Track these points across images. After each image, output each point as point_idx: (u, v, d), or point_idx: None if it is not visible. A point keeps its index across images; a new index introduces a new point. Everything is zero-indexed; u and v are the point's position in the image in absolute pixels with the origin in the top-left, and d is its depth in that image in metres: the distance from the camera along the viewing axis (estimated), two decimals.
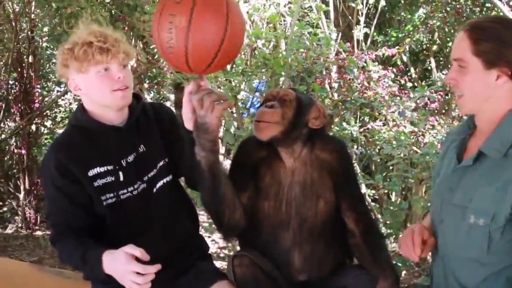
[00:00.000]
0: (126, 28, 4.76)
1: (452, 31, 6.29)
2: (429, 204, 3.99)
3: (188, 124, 1.68)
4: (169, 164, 1.94)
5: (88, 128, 1.83)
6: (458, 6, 6.01)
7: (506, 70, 1.42)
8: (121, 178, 1.82)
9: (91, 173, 1.79)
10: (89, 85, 1.76)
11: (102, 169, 1.80)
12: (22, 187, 5.55)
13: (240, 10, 1.60)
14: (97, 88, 1.75)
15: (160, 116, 1.97)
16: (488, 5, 5.71)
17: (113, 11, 4.71)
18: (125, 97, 1.78)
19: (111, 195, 1.81)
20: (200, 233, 2.14)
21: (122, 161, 1.83)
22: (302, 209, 1.77)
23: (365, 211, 1.88)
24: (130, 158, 1.85)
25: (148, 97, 6.96)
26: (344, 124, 3.97)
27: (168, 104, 8.39)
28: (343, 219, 1.81)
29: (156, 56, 5.00)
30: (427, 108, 4.21)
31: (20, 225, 5.54)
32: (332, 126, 4.02)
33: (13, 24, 5.58)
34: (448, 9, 6.02)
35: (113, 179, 1.81)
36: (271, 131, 1.70)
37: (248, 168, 1.79)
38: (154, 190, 1.89)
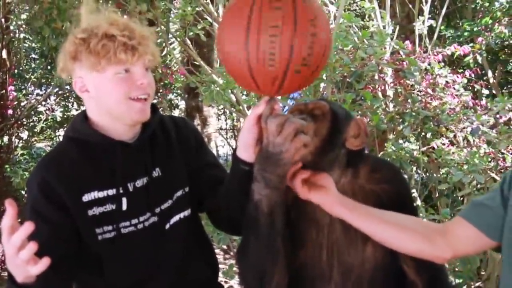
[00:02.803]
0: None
1: None
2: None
3: (244, 153, 1.72)
4: (190, 195, 1.98)
5: (88, 142, 1.83)
6: None
7: None
8: (124, 207, 1.82)
9: (86, 198, 1.78)
10: (101, 87, 1.77)
11: (101, 194, 1.80)
12: None
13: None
14: (111, 93, 1.76)
15: (183, 135, 2.01)
16: None
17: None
18: (143, 110, 1.81)
19: (109, 228, 1.81)
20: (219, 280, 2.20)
21: (128, 185, 1.84)
22: (345, 256, 1.77)
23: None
24: (140, 183, 1.86)
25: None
26: (401, 141, 3.99)
27: (177, 112, 8.55)
28: (401, 267, 1.79)
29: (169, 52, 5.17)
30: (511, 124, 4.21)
31: None
32: (386, 145, 4.05)
33: None
34: None
35: (113, 207, 1.81)
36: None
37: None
38: (167, 226, 1.92)
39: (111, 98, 1.77)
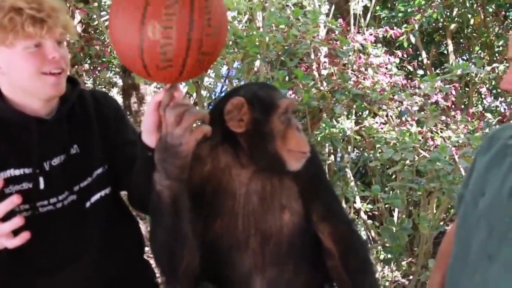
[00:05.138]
0: None
1: (475, 6, 6.42)
2: (441, 224, 4.10)
3: (147, 137, 1.66)
4: (110, 173, 1.94)
5: (2, 119, 1.77)
6: None
7: None
8: (42, 186, 1.78)
9: (2, 175, 1.73)
10: (12, 63, 1.71)
11: (17, 172, 1.75)
12: None
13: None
14: (22, 69, 1.70)
15: (103, 110, 1.96)
16: None
17: None
18: (58, 84, 1.75)
19: (26, 206, 1.75)
20: (145, 257, 2.16)
21: (45, 163, 1.80)
22: (262, 224, 1.77)
23: (343, 223, 1.87)
24: (56, 161, 1.82)
25: (89, 82, 6.94)
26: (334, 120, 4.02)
27: (114, 91, 8.38)
28: (317, 235, 1.83)
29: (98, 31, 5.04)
30: (440, 103, 4.29)
31: None
32: (320, 123, 4.07)
33: None
34: None
35: (30, 186, 1.76)
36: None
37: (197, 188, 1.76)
38: (88, 204, 1.88)
39: (22, 73, 1.71)
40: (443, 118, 4.31)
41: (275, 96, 1.71)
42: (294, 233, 1.79)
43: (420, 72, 6.70)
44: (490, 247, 1.56)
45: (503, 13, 6.97)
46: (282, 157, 1.68)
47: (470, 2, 6.36)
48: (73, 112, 1.89)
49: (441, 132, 4.32)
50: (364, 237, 4.81)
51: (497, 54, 6.95)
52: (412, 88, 4.17)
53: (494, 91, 6.58)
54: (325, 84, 4.17)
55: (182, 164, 1.54)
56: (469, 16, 6.54)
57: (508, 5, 6.36)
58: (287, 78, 3.93)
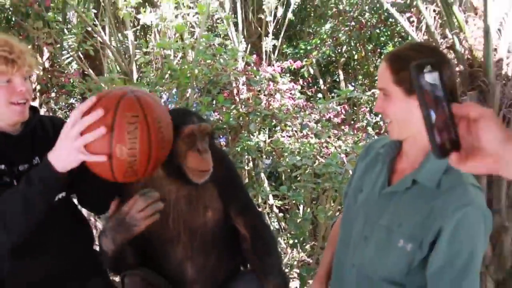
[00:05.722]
0: (21, 35, 4.67)
1: (358, 44, 6.67)
2: (337, 214, 4.22)
3: (62, 164, 1.57)
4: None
5: None
6: (362, 21, 6.37)
7: None
8: (15, 184, 1.74)
9: None
10: None
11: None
12: None
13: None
14: None
15: (59, 131, 1.94)
16: (391, 19, 6.11)
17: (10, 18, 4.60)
18: (22, 112, 1.76)
19: None
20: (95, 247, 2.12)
21: (14, 168, 1.77)
22: (190, 222, 1.80)
23: (254, 215, 1.92)
24: (23, 168, 1.79)
25: (56, 107, 6.73)
26: (251, 135, 4.09)
27: None
28: (235, 227, 1.87)
29: (64, 65, 4.95)
30: (332, 120, 4.43)
31: None
32: (240, 138, 4.13)
33: None
34: (353, 23, 6.36)
35: (8, 180, 1.75)
36: (204, 177, 1.71)
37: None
38: None
39: None
40: (335, 131, 4.46)
41: (183, 122, 1.71)
42: (216, 227, 1.84)
43: (320, 95, 6.87)
44: (366, 231, 1.60)
45: (378, 50, 7.26)
46: (186, 174, 1.70)
47: (354, 42, 6.58)
48: (35, 132, 1.87)
49: (334, 142, 4.46)
50: (276, 227, 4.90)
51: (375, 82, 7.21)
52: (310, 108, 4.29)
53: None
54: (243, 106, 4.24)
55: (130, 237, 1.59)
56: (354, 52, 6.76)
57: (382, 44, 6.64)
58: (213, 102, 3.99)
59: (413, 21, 5.38)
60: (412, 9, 5.70)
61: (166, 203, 1.75)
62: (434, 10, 4.20)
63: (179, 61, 4.46)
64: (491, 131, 0.84)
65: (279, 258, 1.93)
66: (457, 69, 3.68)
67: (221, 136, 4.63)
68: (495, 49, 3.46)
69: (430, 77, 0.84)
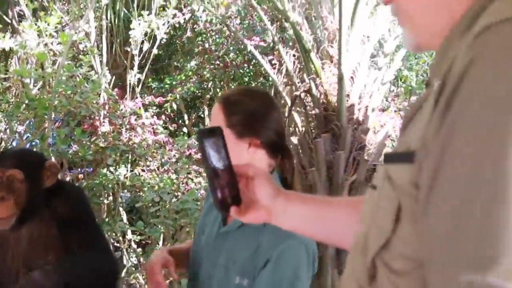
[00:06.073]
0: None
1: (222, 83, 6.92)
2: None
3: None
4: None
5: None
6: (227, 60, 6.64)
7: (255, 140, 1.58)
8: None
9: None
10: None
11: None
12: None
13: None
14: None
15: None
16: (255, 60, 6.41)
17: None
18: None
19: None
20: None
21: None
22: (30, 262, 1.78)
23: (99, 249, 1.87)
24: None
25: None
26: (108, 170, 4.06)
27: None
28: None
29: None
30: (193, 156, 4.55)
31: None
32: (98, 172, 4.08)
33: None
34: (218, 62, 6.59)
35: None
36: (8, 224, 1.69)
37: None
38: None
39: None
40: (195, 167, 4.58)
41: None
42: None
43: (185, 129, 6.98)
44: (210, 270, 1.64)
45: None
46: None
47: (219, 79, 6.81)
48: None
49: (195, 178, 4.58)
50: (135, 262, 4.85)
51: None
52: (170, 144, 4.38)
53: None
54: (103, 140, 4.20)
55: None
56: (218, 89, 6.98)
57: (245, 83, 6.92)
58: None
59: (275, 64, 5.76)
60: (274, 52, 6.08)
61: (6, 242, 1.75)
62: (294, 55, 4.56)
63: (38, 90, 4.32)
64: (264, 188, 1.02)
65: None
66: (312, 112, 4.01)
67: (80, 169, 4.52)
68: (348, 95, 3.78)
69: (213, 141, 1.00)
